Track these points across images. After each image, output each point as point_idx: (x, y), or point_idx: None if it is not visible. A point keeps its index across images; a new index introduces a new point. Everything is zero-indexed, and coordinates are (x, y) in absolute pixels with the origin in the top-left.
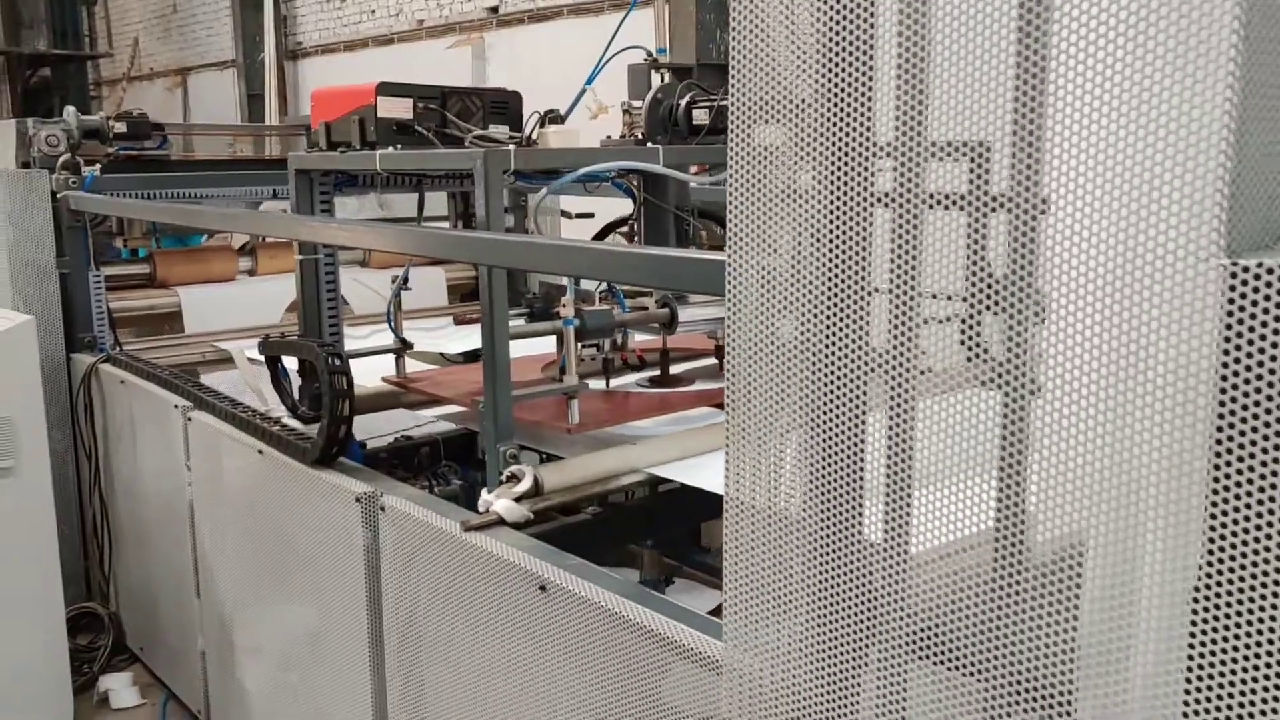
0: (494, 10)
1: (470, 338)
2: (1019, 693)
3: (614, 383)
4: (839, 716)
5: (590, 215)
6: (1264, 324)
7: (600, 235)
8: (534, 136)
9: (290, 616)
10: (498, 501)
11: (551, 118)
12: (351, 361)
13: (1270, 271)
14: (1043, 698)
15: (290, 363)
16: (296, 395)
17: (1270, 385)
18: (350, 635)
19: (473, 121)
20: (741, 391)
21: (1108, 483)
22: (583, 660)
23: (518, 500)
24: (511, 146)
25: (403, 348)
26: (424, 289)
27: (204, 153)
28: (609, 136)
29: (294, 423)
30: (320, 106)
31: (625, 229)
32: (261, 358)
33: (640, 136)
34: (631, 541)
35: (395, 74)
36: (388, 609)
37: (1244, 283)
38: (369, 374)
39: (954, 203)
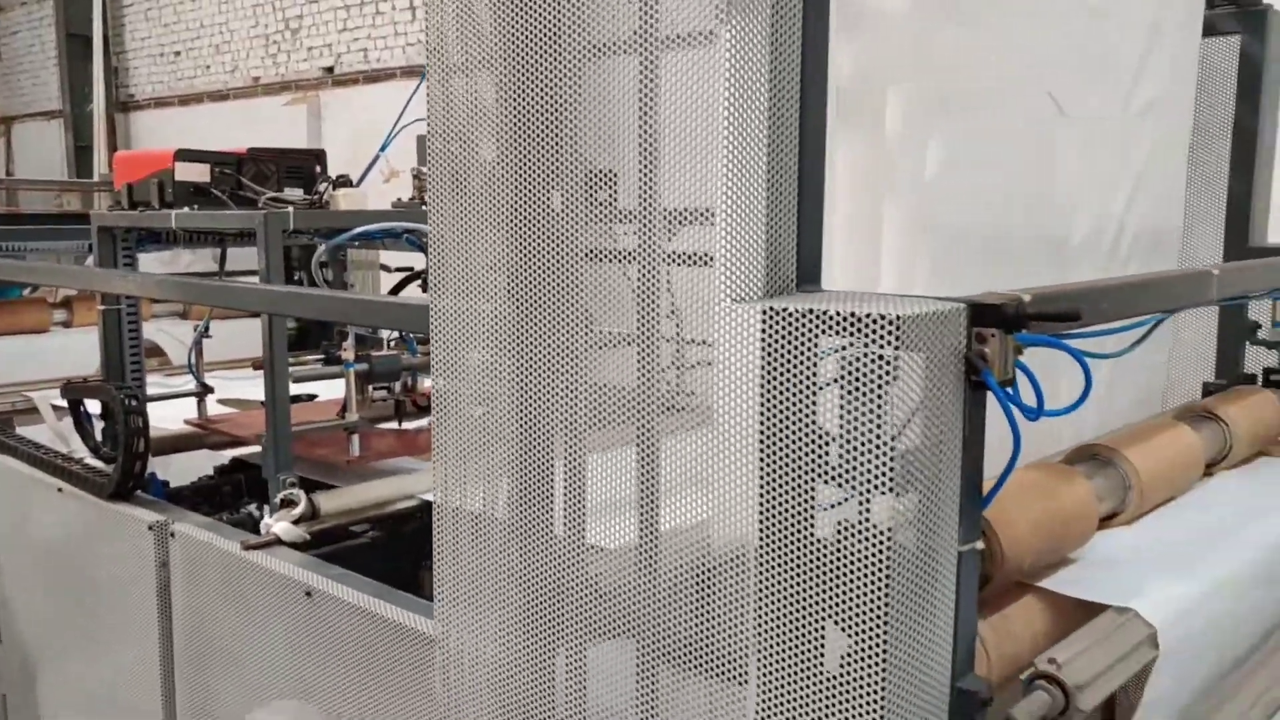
0: (329, 70)
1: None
2: (695, 662)
3: (409, 424)
4: (535, 682)
5: (410, 269)
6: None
7: (398, 287)
8: (325, 199)
9: (89, 649)
10: (276, 524)
11: (341, 182)
12: (160, 405)
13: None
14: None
15: (95, 407)
16: (99, 437)
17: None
18: (144, 657)
19: (268, 185)
20: (445, 413)
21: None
22: (343, 653)
23: (295, 523)
24: (290, 209)
25: (203, 392)
26: (244, 338)
27: (29, 206)
28: (399, 199)
29: (96, 463)
30: (123, 168)
31: (420, 281)
32: (65, 403)
33: (424, 199)
34: (412, 561)
35: (230, 129)
36: (178, 629)
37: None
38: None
39: (618, 256)
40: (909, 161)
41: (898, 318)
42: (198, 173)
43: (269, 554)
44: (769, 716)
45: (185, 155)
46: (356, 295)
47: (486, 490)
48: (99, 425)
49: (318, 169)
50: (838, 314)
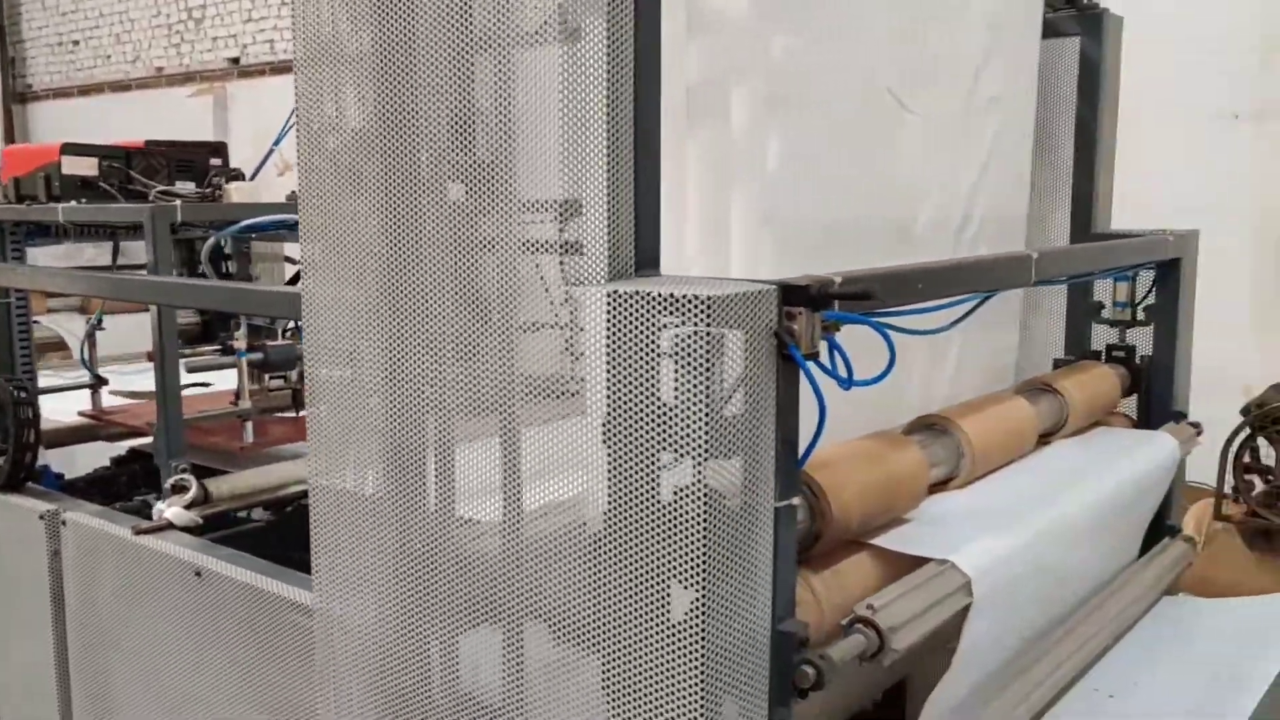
0: (235, 61)
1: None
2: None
3: (305, 412)
4: (404, 647)
5: None
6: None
7: (295, 278)
8: (218, 193)
9: None
10: (168, 510)
11: (234, 175)
12: (56, 398)
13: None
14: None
15: None
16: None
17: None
18: (39, 645)
19: (159, 178)
20: (319, 396)
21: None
22: (231, 629)
23: (187, 508)
24: (178, 202)
25: (97, 383)
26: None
27: None
28: (294, 192)
29: None
30: (10, 163)
31: None
32: None
33: None
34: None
35: (133, 121)
36: (72, 616)
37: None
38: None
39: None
40: (753, 156)
41: (710, 298)
42: (85, 166)
43: (160, 538)
44: (612, 673)
45: (72, 149)
46: (234, 285)
47: (358, 469)
48: None
49: (211, 162)
50: (660, 295)
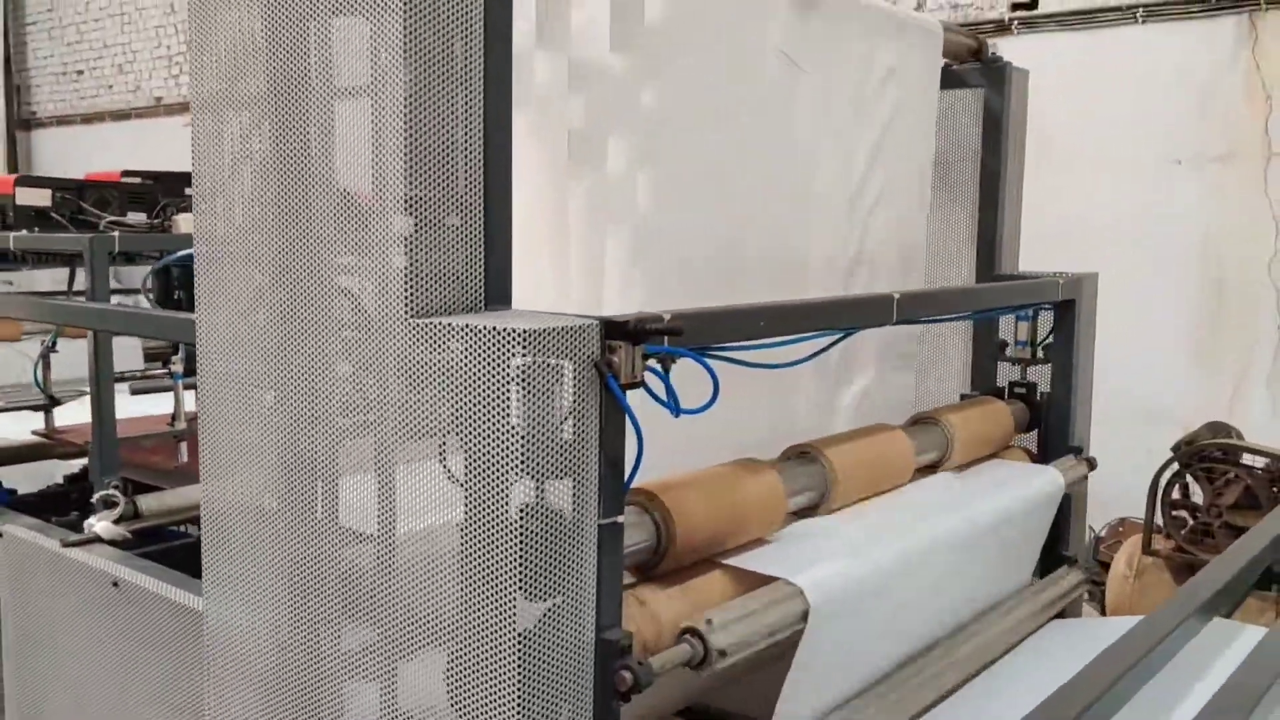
0: None
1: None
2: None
3: None
4: (281, 647)
5: None
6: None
7: None
8: (167, 223)
9: None
10: (97, 524)
11: (183, 207)
12: (13, 417)
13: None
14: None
15: None
16: None
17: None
18: None
19: (111, 210)
20: (209, 415)
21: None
22: (139, 635)
23: (116, 522)
24: (116, 233)
25: (49, 404)
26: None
27: None
28: None
29: None
30: None
31: None
32: None
33: None
34: None
35: (133, 148)
36: (6, 623)
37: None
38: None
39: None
40: (626, 199)
41: (527, 331)
42: (39, 197)
43: (87, 550)
44: (454, 670)
45: (26, 181)
46: (146, 311)
47: (244, 484)
48: None
49: (186, 192)
50: (485, 329)
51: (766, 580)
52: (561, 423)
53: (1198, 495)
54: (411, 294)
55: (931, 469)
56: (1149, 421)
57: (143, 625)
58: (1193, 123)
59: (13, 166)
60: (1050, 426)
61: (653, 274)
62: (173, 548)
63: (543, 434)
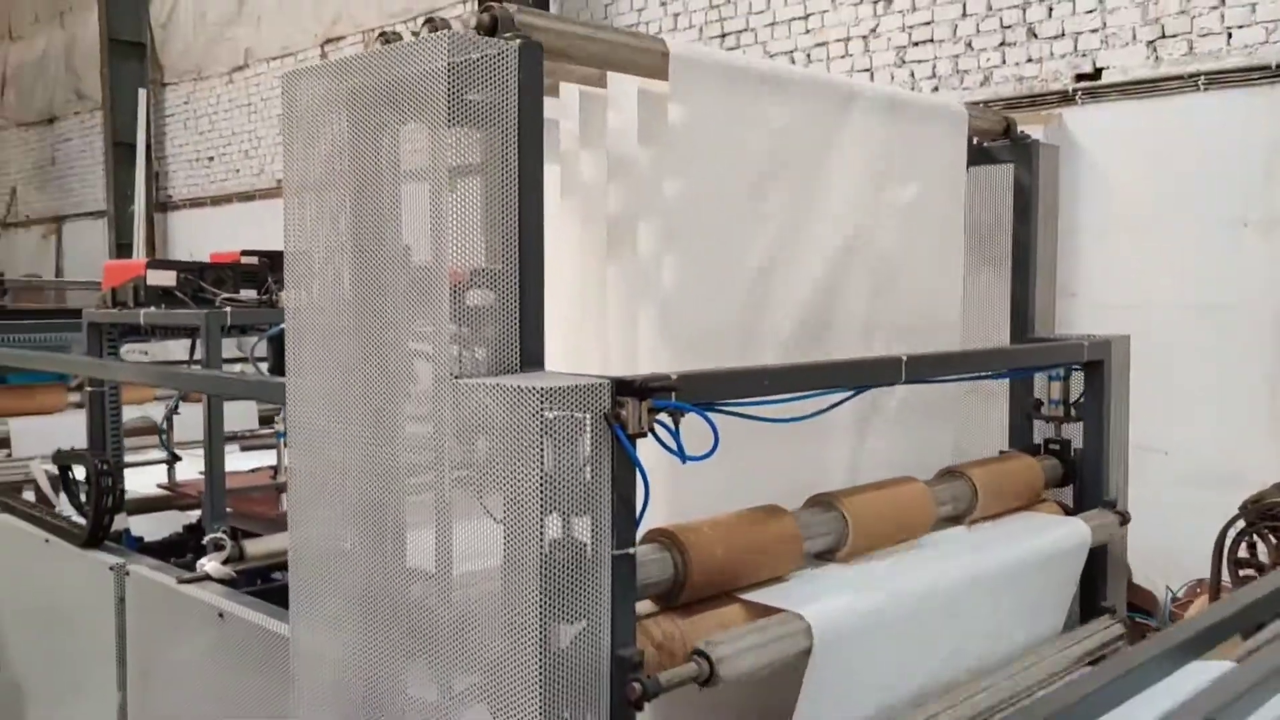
0: None
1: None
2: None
3: None
4: (355, 669)
5: None
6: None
7: None
8: (274, 298)
9: (66, 673)
10: (207, 564)
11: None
12: (140, 472)
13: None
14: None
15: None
16: (82, 497)
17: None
18: (105, 675)
19: (226, 288)
20: (297, 468)
21: None
22: (241, 658)
23: (224, 563)
24: (228, 309)
25: (172, 460)
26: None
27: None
28: None
29: (78, 518)
30: (110, 274)
31: None
32: (55, 469)
33: None
34: None
35: (256, 227)
36: (131, 651)
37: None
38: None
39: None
40: (653, 278)
41: (546, 389)
42: (166, 278)
43: (198, 587)
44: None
45: (155, 264)
46: (249, 377)
47: (324, 526)
48: (84, 488)
49: (270, 274)
50: (509, 387)
51: (775, 611)
52: (581, 468)
53: (1264, 554)
54: (457, 358)
55: (956, 520)
56: (1225, 485)
57: (242, 651)
58: (1259, 185)
59: (151, 246)
60: (1083, 481)
61: (679, 343)
62: (271, 588)
63: (565, 477)
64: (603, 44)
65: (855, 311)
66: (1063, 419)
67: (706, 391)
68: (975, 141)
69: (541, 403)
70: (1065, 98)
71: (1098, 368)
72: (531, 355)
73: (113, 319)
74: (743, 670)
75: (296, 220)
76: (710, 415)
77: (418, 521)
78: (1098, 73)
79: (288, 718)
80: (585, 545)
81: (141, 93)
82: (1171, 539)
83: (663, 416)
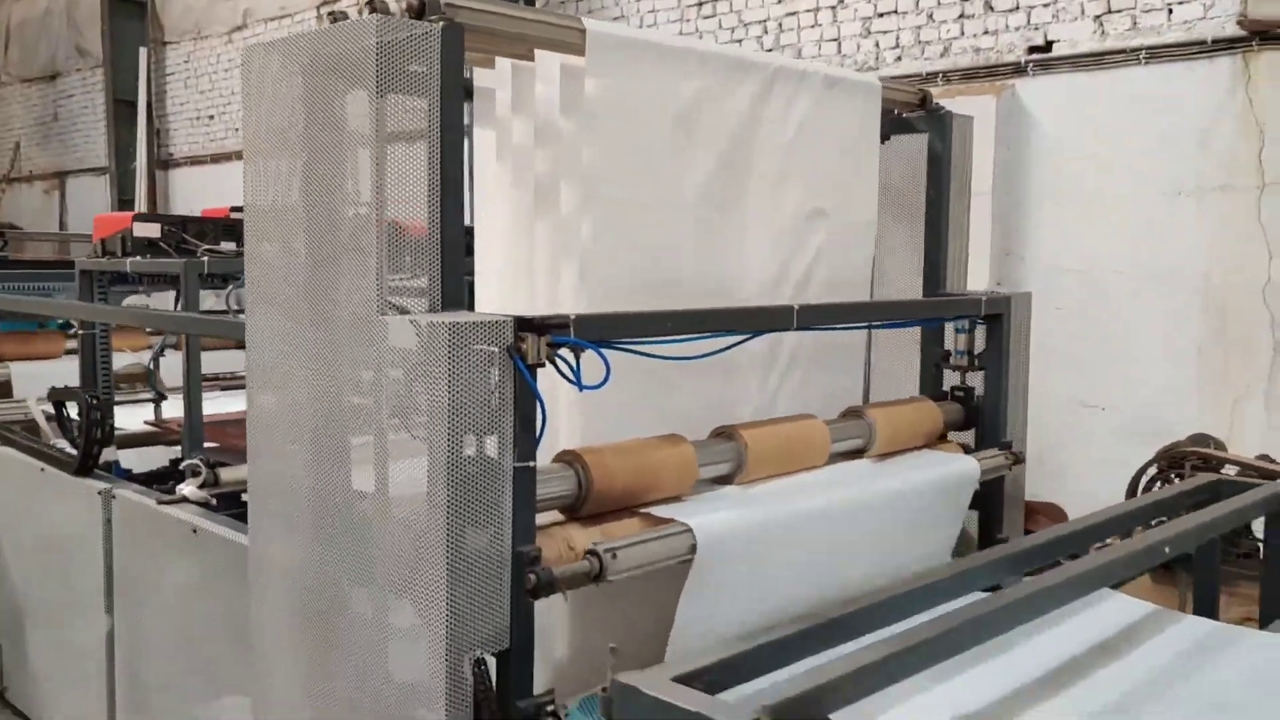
0: None
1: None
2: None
3: None
4: (299, 568)
5: None
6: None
7: None
8: None
9: (59, 590)
10: (185, 488)
11: None
12: (132, 409)
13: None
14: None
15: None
16: (76, 431)
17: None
18: (94, 589)
19: (207, 240)
20: (256, 398)
21: None
22: (210, 568)
23: (201, 487)
24: (205, 258)
25: (159, 399)
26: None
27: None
28: None
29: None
30: (100, 227)
31: None
32: (50, 404)
33: None
34: None
35: None
36: (118, 565)
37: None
38: None
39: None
40: (574, 235)
41: (456, 324)
42: (151, 230)
43: (176, 507)
44: (416, 577)
45: (141, 217)
46: (218, 318)
47: (278, 450)
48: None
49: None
50: (431, 323)
51: (667, 521)
52: (488, 393)
53: None
54: (380, 297)
55: (858, 455)
56: (1156, 439)
57: (213, 563)
58: (1194, 156)
59: (152, 202)
60: (983, 424)
61: (596, 295)
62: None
63: (473, 401)
64: (524, 23)
65: (767, 270)
66: (967, 368)
67: (605, 331)
68: (895, 113)
69: (451, 336)
70: (1018, 69)
71: (997, 321)
72: (452, 297)
73: (102, 267)
74: (629, 568)
75: (255, 179)
76: (608, 352)
77: (359, 444)
78: (1049, 45)
79: (246, 615)
80: (492, 459)
81: (142, 51)
82: (1106, 488)
83: (564, 352)
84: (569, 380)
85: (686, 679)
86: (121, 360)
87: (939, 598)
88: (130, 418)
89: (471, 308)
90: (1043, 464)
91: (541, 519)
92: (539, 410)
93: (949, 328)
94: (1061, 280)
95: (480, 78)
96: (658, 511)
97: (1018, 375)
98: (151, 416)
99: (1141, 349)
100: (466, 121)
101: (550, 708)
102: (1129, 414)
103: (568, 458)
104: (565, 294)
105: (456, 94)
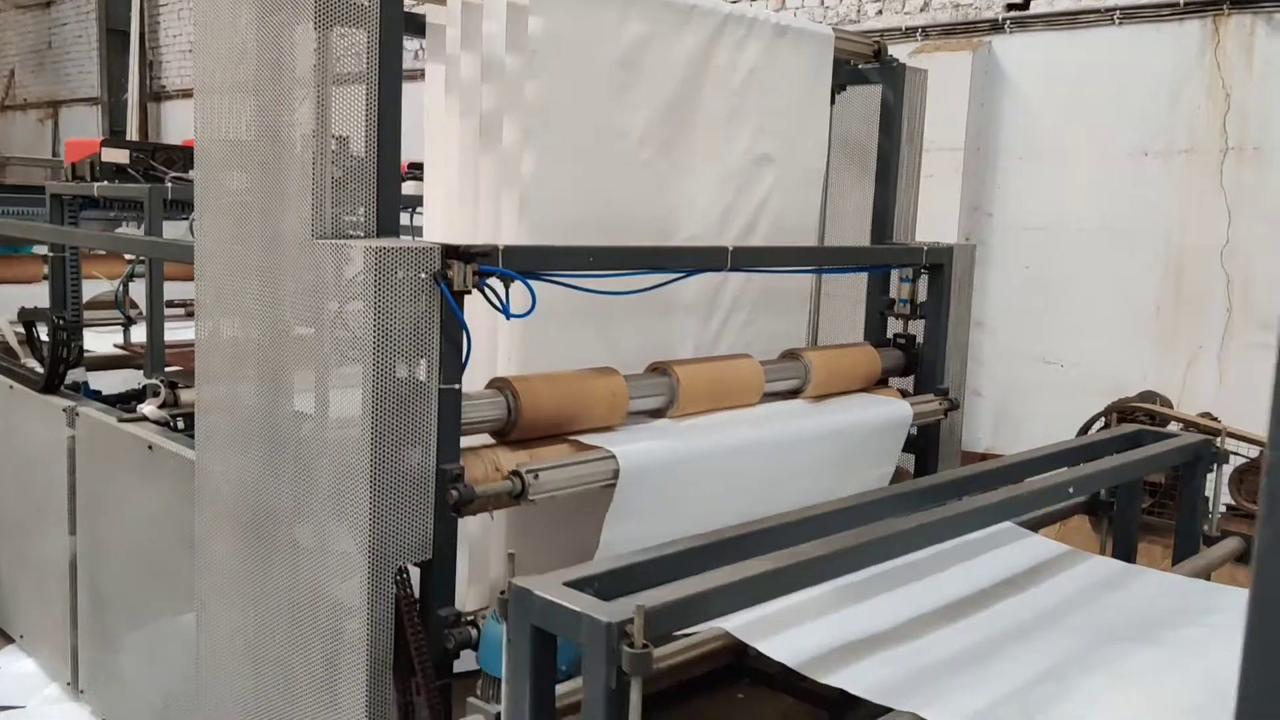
0: None
1: None
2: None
3: None
4: (241, 480)
5: None
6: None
7: None
8: None
9: (29, 501)
10: (145, 407)
11: None
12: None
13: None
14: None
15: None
16: (45, 351)
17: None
18: (57, 502)
19: (176, 168)
20: (205, 322)
21: None
22: (164, 482)
23: (160, 407)
24: (168, 184)
25: (127, 323)
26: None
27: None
28: None
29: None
30: (70, 151)
31: None
32: (19, 325)
33: None
34: None
35: None
36: (80, 480)
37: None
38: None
39: None
40: (515, 168)
41: (384, 249)
42: (119, 156)
43: (136, 426)
44: (345, 487)
45: (109, 143)
46: (176, 241)
47: (222, 370)
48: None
49: None
50: (361, 247)
51: (592, 448)
52: (417, 318)
53: None
54: (316, 223)
55: (794, 395)
56: (1114, 394)
57: (166, 477)
58: (1161, 117)
59: (144, 133)
60: (921, 370)
61: (537, 227)
62: None
63: (402, 325)
64: None
65: (712, 212)
66: (909, 316)
67: (531, 263)
68: (851, 64)
69: (379, 261)
70: (995, 26)
71: (939, 271)
72: (387, 224)
73: (70, 191)
74: (550, 489)
75: (205, 110)
76: (541, 285)
77: (300, 365)
78: (1026, 3)
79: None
80: (419, 381)
81: None
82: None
83: (494, 282)
84: (496, 308)
85: (578, 584)
86: (99, 287)
87: (837, 526)
88: (103, 342)
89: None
90: (1004, 417)
91: (473, 441)
92: (465, 336)
93: (894, 277)
94: (1028, 238)
95: (433, 14)
96: (586, 439)
97: (958, 325)
98: (120, 340)
99: (1102, 307)
100: (420, 58)
101: (470, 617)
102: (1087, 370)
103: (499, 384)
104: (506, 226)
105: (395, 28)
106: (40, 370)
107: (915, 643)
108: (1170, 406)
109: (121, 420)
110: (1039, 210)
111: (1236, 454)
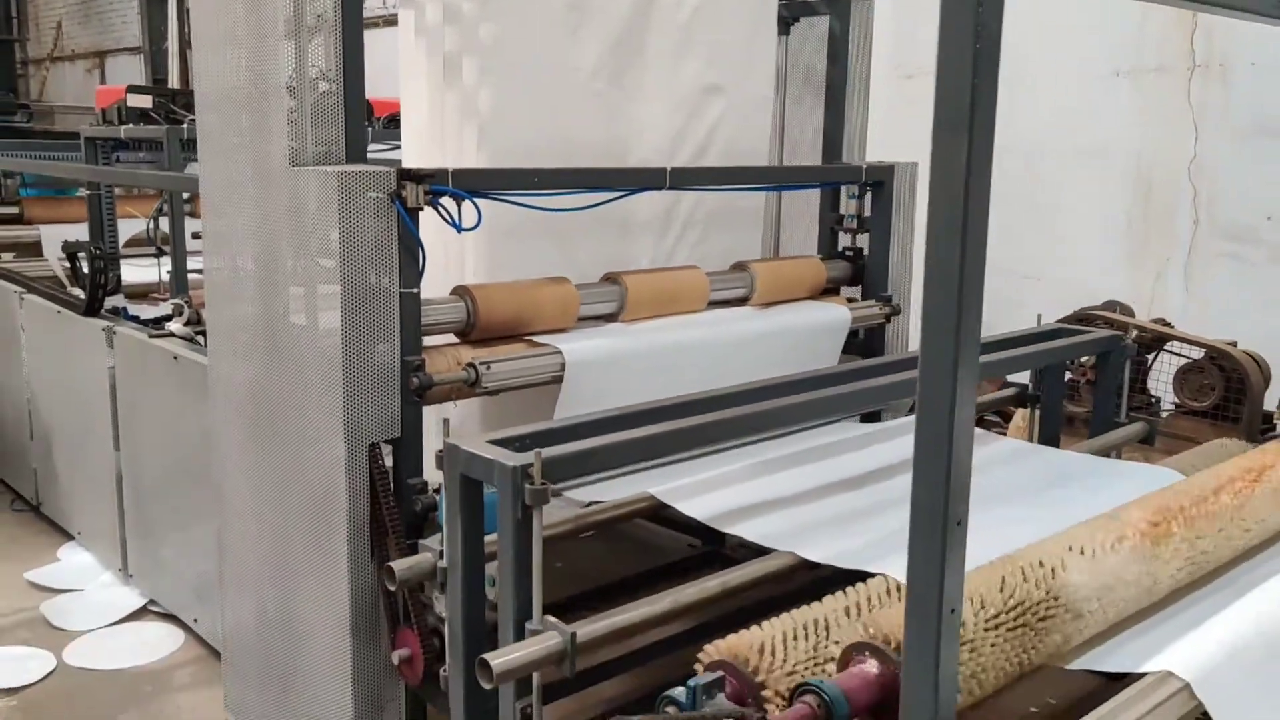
0: None
1: None
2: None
3: None
4: (245, 382)
5: None
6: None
7: None
8: None
9: (71, 410)
10: (171, 324)
11: None
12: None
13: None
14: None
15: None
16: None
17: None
18: (102, 411)
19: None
20: (211, 253)
21: None
22: (191, 390)
23: (186, 324)
24: (186, 125)
25: (159, 253)
26: None
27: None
28: None
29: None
30: (100, 98)
31: None
32: (64, 256)
33: None
34: None
35: None
36: (120, 392)
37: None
38: None
39: None
40: (474, 104)
41: (347, 172)
42: (143, 101)
43: (164, 340)
44: (322, 381)
45: (135, 89)
46: (189, 176)
47: (229, 290)
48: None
49: None
50: (327, 171)
51: (542, 346)
52: (378, 231)
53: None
54: (292, 152)
55: (742, 303)
56: (1082, 304)
57: (189, 383)
58: (1132, 37)
59: (185, 80)
60: (867, 280)
61: (494, 156)
62: None
63: (364, 238)
64: None
65: (663, 139)
66: (856, 230)
67: (478, 183)
68: None
69: (341, 183)
70: None
71: (881, 188)
72: (355, 151)
73: (100, 134)
74: (501, 379)
75: (202, 60)
76: (492, 203)
77: (288, 280)
78: None
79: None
80: (383, 287)
81: None
82: None
83: (446, 201)
84: (448, 223)
85: (499, 442)
86: (139, 226)
87: (736, 403)
88: (143, 274)
89: None
90: (982, 330)
91: (439, 341)
92: (420, 248)
93: (843, 194)
94: (1006, 160)
95: None
96: (540, 340)
97: (900, 237)
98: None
99: (1078, 224)
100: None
101: (436, 487)
102: (1060, 283)
103: (460, 291)
104: (468, 157)
105: None
106: (83, 296)
107: (813, 505)
108: (1132, 315)
109: (151, 336)
110: (1012, 131)
111: (1180, 355)
